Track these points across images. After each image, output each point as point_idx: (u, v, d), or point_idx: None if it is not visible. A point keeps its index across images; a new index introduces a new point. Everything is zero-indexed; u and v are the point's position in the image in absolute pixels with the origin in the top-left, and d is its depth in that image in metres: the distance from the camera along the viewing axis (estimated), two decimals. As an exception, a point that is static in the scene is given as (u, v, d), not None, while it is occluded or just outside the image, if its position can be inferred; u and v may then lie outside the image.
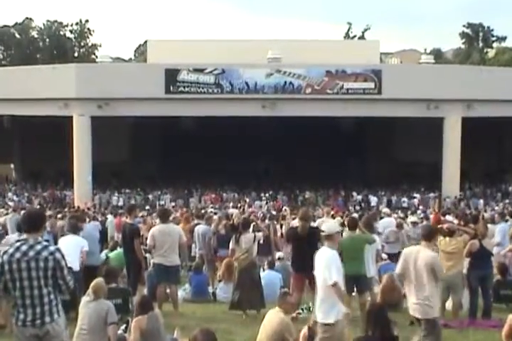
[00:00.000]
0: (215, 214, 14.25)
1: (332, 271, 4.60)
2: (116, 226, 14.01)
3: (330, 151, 33.00)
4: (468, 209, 22.73)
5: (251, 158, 32.77)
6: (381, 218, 12.51)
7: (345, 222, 8.45)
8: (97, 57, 42.68)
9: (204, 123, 30.38)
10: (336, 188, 30.49)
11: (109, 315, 5.14)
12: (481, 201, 27.67)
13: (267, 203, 27.51)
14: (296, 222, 9.70)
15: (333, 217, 12.70)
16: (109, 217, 15.79)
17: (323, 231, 5.07)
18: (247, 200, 27.69)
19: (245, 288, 7.26)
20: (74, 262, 6.70)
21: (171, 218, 14.05)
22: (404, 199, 28.14)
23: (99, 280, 5.59)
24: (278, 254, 9.82)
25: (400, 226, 11.01)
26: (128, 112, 26.46)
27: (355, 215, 13.68)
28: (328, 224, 5.49)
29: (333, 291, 4.52)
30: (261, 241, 8.23)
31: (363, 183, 31.63)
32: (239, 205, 24.28)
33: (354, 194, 29.48)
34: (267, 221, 11.72)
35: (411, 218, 13.35)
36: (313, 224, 10.39)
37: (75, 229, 7.56)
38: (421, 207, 24.33)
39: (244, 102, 26.28)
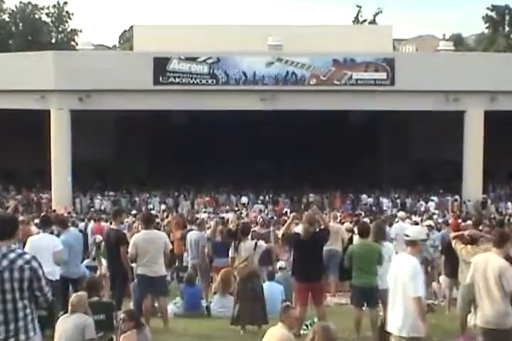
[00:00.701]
0: (210, 218, 14.24)
1: (418, 282, 4.60)
2: (94, 232, 13.85)
3: (337, 149, 33.00)
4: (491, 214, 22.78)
5: (249, 156, 32.89)
6: (392, 223, 12.54)
7: (355, 228, 8.45)
8: (77, 44, 42.63)
9: (197, 117, 30.46)
10: (344, 190, 30.67)
11: (87, 330, 5.16)
12: (510, 204, 27.67)
13: (266, 207, 27.57)
14: (299, 228, 9.74)
15: (341, 222, 12.75)
16: (91, 223, 15.73)
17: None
18: (245, 203, 27.83)
19: (246, 300, 7.27)
20: (51, 270, 6.66)
21: (164, 222, 14.16)
22: (421, 202, 28.18)
23: (81, 293, 5.62)
24: (279, 264, 9.81)
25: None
26: (112, 106, 26.41)
27: (367, 220, 13.72)
28: (414, 228, 5.49)
29: (413, 304, 4.52)
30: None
31: (373, 185, 31.73)
32: (236, 209, 24.30)
33: (364, 196, 29.54)
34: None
35: (426, 222, 13.35)
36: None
37: (47, 224, 7.41)
38: (437, 211, 24.32)
39: (241, 94, 26.29)
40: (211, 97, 26.20)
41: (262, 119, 29.66)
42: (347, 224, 11.88)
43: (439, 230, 12.12)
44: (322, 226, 7.41)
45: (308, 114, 27.35)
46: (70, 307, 5.39)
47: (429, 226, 11.93)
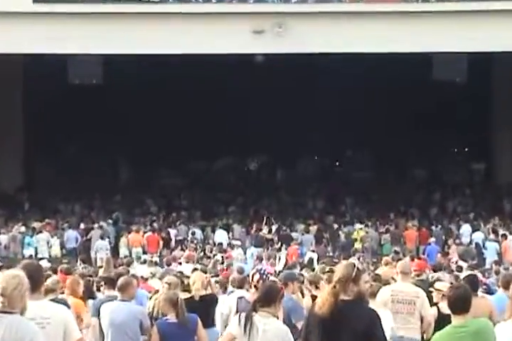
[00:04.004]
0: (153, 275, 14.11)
1: None
2: None
3: (407, 137, 33.63)
4: None
5: (233, 150, 33.90)
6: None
7: (448, 296, 8.37)
8: None
9: (129, 70, 30.28)
10: (422, 216, 30.84)
11: None
12: None
13: (268, 248, 27.54)
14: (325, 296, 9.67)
15: (417, 280, 12.69)
16: None
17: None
18: (222, 243, 27.65)
19: None
20: None
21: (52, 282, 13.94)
22: None
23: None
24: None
25: None
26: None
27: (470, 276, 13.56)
28: None
29: None
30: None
31: (484, 205, 31.99)
32: (206, 254, 24.22)
33: (466, 228, 29.49)
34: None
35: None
36: (371, 302, 10.40)
37: None
38: None
39: (218, 23, 26.38)
40: (157, 29, 26.33)
41: (257, 74, 30.05)
42: (439, 284, 11.73)
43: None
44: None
45: (348, 61, 27.58)
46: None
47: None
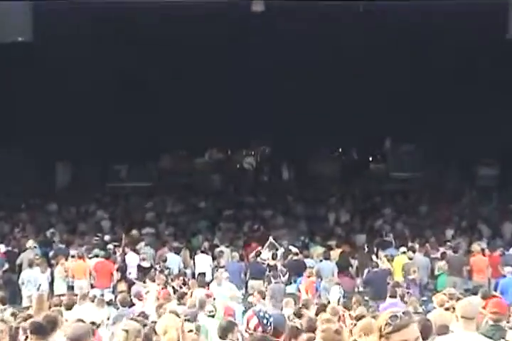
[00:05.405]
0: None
1: None
2: None
3: (470, 121, 33.32)
4: None
5: (218, 139, 34.37)
6: None
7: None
8: None
9: (74, 22, 30.18)
10: (494, 235, 31.30)
11: None
12: None
13: (270, 281, 26.93)
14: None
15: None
16: None
17: None
18: (206, 273, 27.86)
19: None
20: None
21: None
22: None
23: None
24: None
25: None
26: None
27: None
28: None
29: None
30: None
31: None
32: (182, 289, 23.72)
33: None
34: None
35: None
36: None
37: None
38: None
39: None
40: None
41: (254, 28, 30.39)
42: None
43: None
44: None
45: (383, 11, 27.81)
46: None
47: None
